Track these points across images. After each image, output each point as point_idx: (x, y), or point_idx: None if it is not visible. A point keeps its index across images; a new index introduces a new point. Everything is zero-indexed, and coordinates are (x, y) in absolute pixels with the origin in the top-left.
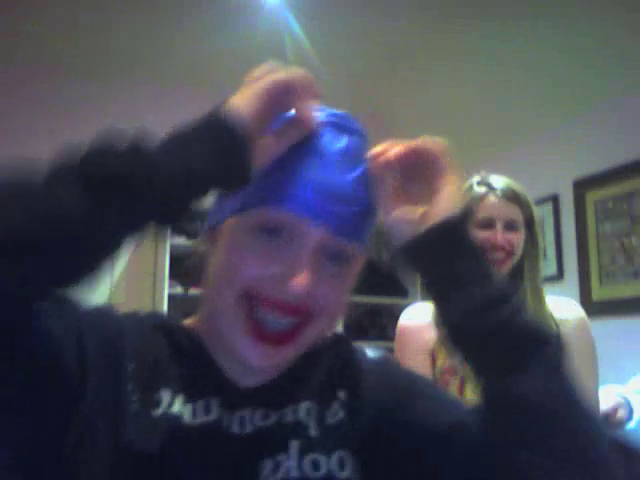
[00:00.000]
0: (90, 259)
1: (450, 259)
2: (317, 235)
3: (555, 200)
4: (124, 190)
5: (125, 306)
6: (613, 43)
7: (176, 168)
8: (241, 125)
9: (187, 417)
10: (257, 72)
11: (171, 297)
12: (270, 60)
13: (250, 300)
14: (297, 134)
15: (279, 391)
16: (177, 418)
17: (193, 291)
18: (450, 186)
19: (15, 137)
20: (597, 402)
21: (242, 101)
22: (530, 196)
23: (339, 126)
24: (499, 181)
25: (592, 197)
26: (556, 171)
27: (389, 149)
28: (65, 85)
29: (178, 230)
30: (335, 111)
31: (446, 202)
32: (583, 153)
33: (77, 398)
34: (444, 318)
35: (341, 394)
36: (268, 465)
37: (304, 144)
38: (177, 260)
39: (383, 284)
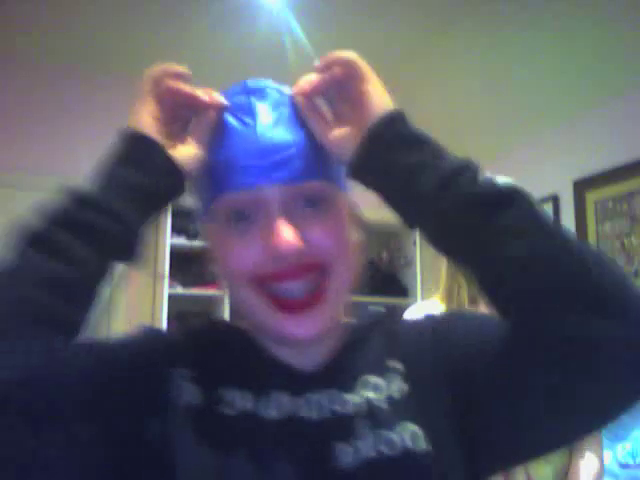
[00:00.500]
0: (86, 296)
1: (393, 155)
2: (275, 196)
3: (555, 200)
4: (81, 238)
5: (125, 306)
6: (613, 43)
7: (114, 199)
8: (151, 135)
9: (261, 412)
10: (141, 84)
11: (171, 297)
12: (270, 60)
13: (261, 281)
14: (208, 118)
15: (341, 371)
16: (252, 415)
17: (193, 291)
18: (369, 89)
19: (15, 137)
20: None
21: (140, 114)
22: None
23: (248, 89)
24: (503, 181)
25: (592, 197)
26: (556, 171)
27: (303, 83)
28: (65, 84)
29: (178, 230)
30: (242, 81)
31: (377, 106)
32: (583, 153)
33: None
34: (406, 219)
35: (398, 365)
36: (343, 448)
37: (225, 122)
38: (177, 260)
39: (383, 284)
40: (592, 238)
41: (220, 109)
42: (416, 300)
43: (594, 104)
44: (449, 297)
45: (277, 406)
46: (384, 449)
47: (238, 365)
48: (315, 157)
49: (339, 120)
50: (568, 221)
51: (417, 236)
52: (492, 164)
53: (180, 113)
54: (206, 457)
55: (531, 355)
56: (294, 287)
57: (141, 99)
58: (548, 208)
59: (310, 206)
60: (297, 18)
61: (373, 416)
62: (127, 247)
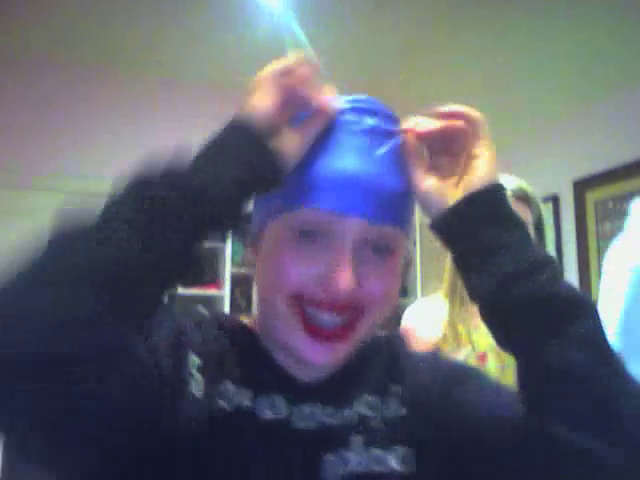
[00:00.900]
0: (162, 282)
1: (483, 228)
2: (354, 229)
3: (555, 200)
4: (170, 214)
5: None
6: (613, 43)
7: (209, 184)
8: (261, 126)
9: (259, 412)
10: (265, 71)
11: (171, 297)
12: (270, 60)
13: (300, 301)
14: (319, 123)
15: (340, 386)
16: (248, 413)
17: (193, 291)
18: (484, 155)
19: (15, 136)
20: None
21: (257, 102)
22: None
23: (360, 110)
24: (510, 181)
25: (592, 197)
26: (556, 171)
27: (418, 124)
28: (65, 84)
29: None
30: (355, 96)
31: (481, 170)
32: (583, 153)
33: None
34: (475, 291)
35: (396, 388)
36: (332, 460)
37: (328, 135)
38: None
39: None
40: (592, 238)
41: (333, 117)
42: (416, 300)
43: (594, 104)
44: (452, 293)
45: (273, 408)
46: (372, 466)
47: (241, 363)
48: (404, 204)
49: (435, 169)
50: (568, 221)
51: (417, 236)
52: None
53: (292, 105)
54: (199, 449)
55: (541, 461)
56: (328, 319)
57: (265, 85)
58: (548, 208)
59: (379, 254)
60: (297, 18)
61: (365, 433)
62: (225, 226)
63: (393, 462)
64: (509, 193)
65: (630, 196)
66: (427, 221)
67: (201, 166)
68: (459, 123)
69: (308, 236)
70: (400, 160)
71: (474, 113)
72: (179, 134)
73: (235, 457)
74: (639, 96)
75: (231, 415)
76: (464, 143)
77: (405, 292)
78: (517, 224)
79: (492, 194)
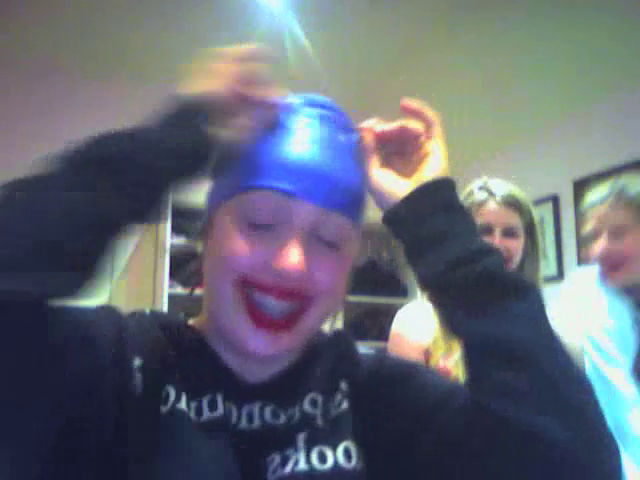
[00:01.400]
0: (99, 240)
1: (430, 218)
2: (305, 214)
3: (555, 200)
4: (109, 167)
5: (125, 306)
6: (614, 43)
7: (141, 150)
8: (203, 107)
9: (193, 413)
10: (220, 55)
11: (171, 297)
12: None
13: (246, 286)
14: (269, 115)
15: (286, 386)
16: (183, 414)
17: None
18: (436, 152)
19: (16, 138)
20: None
21: (206, 85)
22: (531, 198)
23: (316, 104)
24: (500, 187)
25: None
26: (556, 171)
27: (374, 126)
28: (66, 84)
29: (178, 230)
30: (311, 95)
31: (433, 166)
32: (583, 153)
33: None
34: (422, 278)
35: (343, 385)
36: (276, 459)
37: (283, 122)
38: (177, 260)
39: (383, 284)
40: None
41: (282, 112)
42: (415, 300)
43: (594, 104)
44: None
45: (209, 410)
46: (315, 462)
47: (183, 364)
48: (355, 198)
49: (390, 165)
50: (568, 221)
51: None
52: (492, 164)
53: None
54: (138, 451)
55: (487, 443)
56: (274, 305)
57: (216, 70)
58: (548, 208)
59: (330, 246)
60: (297, 18)
61: (309, 431)
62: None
63: (338, 459)
64: (498, 199)
65: None
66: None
67: (138, 135)
68: (414, 125)
69: (258, 223)
70: (355, 157)
71: (429, 112)
72: None
73: (170, 460)
74: (639, 96)
75: (167, 417)
76: (418, 143)
77: (405, 292)
78: (464, 214)
79: (440, 185)
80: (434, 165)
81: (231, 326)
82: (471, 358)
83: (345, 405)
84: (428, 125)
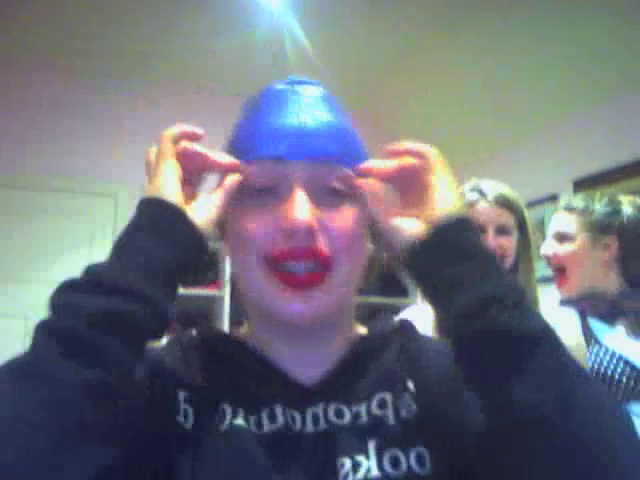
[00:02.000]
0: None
1: (446, 263)
2: (301, 171)
3: (555, 200)
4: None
5: None
6: (614, 43)
7: (141, 280)
8: (173, 202)
9: (254, 428)
10: (153, 151)
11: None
12: (270, 60)
13: (272, 261)
14: (231, 180)
15: (346, 383)
16: (241, 429)
17: (193, 291)
18: (441, 186)
19: (16, 136)
20: None
21: (161, 180)
22: (526, 198)
23: (294, 81)
24: (491, 187)
25: None
26: (556, 171)
27: (374, 167)
28: (66, 84)
29: None
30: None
31: (441, 204)
32: (583, 153)
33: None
34: (441, 324)
35: (410, 385)
36: (347, 464)
37: (260, 102)
38: None
39: (383, 284)
40: None
41: (238, 171)
42: (416, 300)
43: (594, 104)
44: None
45: (270, 421)
46: (388, 468)
47: (235, 380)
48: (350, 147)
49: (397, 204)
50: None
51: None
52: (492, 164)
53: (194, 172)
54: (204, 477)
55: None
56: (299, 267)
57: (160, 161)
58: (548, 208)
59: (331, 194)
60: (297, 18)
61: (378, 433)
62: (158, 331)
63: (410, 462)
64: (490, 199)
65: (630, 196)
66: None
67: (128, 260)
68: (411, 161)
69: (260, 192)
70: (330, 107)
71: (424, 148)
72: None
73: (234, 476)
74: (639, 97)
75: (226, 435)
76: (420, 178)
77: (405, 292)
78: (481, 257)
79: (455, 229)
80: (442, 202)
81: (267, 299)
82: (489, 424)
83: (414, 407)
84: (422, 158)
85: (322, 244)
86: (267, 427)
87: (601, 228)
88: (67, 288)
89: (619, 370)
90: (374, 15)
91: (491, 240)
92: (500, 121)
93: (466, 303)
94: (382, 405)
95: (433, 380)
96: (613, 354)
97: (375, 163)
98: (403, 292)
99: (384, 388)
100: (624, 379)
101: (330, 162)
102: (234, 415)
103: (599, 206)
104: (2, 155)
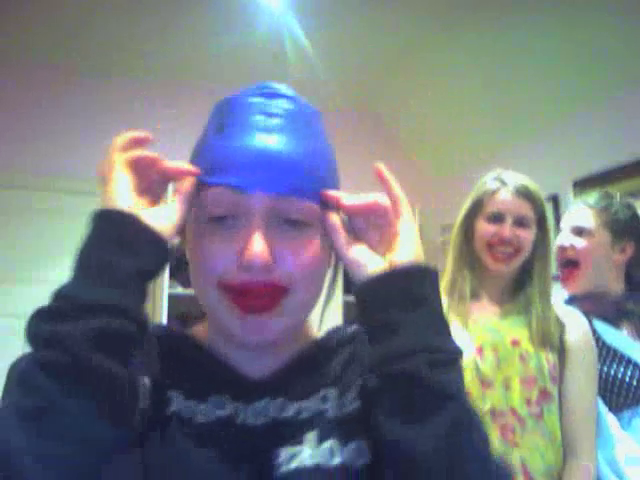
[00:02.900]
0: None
1: (395, 306)
2: (260, 204)
3: (555, 200)
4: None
5: None
6: (613, 43)
7: (112, 293)
8: (129, 213)
9: (200, 415)
10: (103, 163)
11: (171, 297)
12: (270, 60)
13: (228, 290)
14: (187, 186)
15: (293, 380)
16: (189, 416)
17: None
18: (405, 232)
19: (18, 136)
20: (595, 412)
21: (115, 190)
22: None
23: (266, 93)
24: (513, 177)
25: None
26: (556, 171)
27: (345, 200)
28: (66, 84)
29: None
30: (260, 83)
31: (406, 249)
32: (583, 153)
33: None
34: (370, 361)
35: (357, 382)
36: (283, 454)
37: (228, 117)
38: (177, 260)
39: None
40: None
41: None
42: None
43: (594, 104)
44: (452, 289)
45: (214, 410)
46: (322, 459)
47: (185, 369)
48: (316, 175)
49: (359, 235)
50: None
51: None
52: (492, 164)
53: (151, 178)
54: (150, 457)
55: None
56: (254, 299)
57: (110, 171)
58: (548, 208)
59: (290, 225)
60: (297, 18)
61: (319, 427)
62: (142, 339)
63: (346, 455)
64: (511, 189)
65: (630, 196)
66: (426, 222)
67: (95, 276)
68: (382, 202)
69: (219, 220)
70: (308, 136)
71: (398, 192)
72: (179, 134)
73: (177, 461)
74: (639, 96)
75: (170, 420)
76: (387, 221)
77: None
78: (431, 309)
79: (414, 276)
80: (406, 248)
81: (223, 320)
82: (387, 462)
83: (357, 403)
84: (394, 202)
85: (279, 275)
86: (212, 416)
87: (622, 231)
88: (45, 317)
89: (629, 373)
90: (374, 15)
91: (508, 230)
92: (500, 121)
93: (399, 348)
94: (325, 399)
95: None
96: (622, 357)
97: (344, 196)
98: None
99: (330, 385)
100: (635, 382)
101: (292, 195)
102: (180, 402)
103: (621, 208)
104: (2, 155)
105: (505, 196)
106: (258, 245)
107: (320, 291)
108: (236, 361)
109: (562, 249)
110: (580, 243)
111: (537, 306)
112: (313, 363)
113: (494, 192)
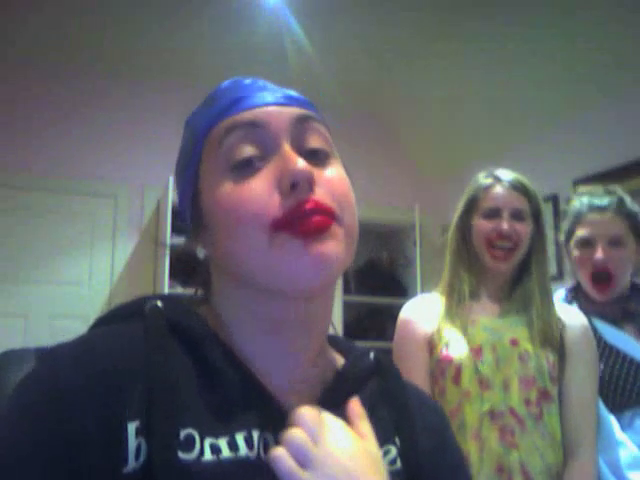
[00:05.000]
0: None
1: None
2: (282, 122)
3: (555, 200)
4: None
5: None
6: (613, 43)
7: None
8: None
9: (226, 451)
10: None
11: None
12: (270, 60)
13: (278, 223)
14: None
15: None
16: (212, 462)
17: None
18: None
19: (18, 136)
20: (595, 410)
21: None
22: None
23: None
24: (506, 173)
25: None
26: (556, 171)
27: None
28: (67, 84)
29: (178, 230)
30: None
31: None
32: (583, 153)
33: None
34: None
35: (396, 439)
36: None
37: (216, 91)
38: (177, 260)
39: (383, 284)
40: None
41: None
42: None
43: (594, 104)
44: (451, 289)
45: (245, 447)
46: None
47: (205, 391)
48: (307, 99)
49: None
50: None
51: (417, 236)
52: (492, 164)
53: None
54: None
55: None
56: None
57: None
58: (548, 208)
59: (314, 157)
60: (297, 18)
61: None
62: None
63: None
64: (505, 184)
65: (630, 196)
66: (426, 222)
67: None
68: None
69: (246, 164)
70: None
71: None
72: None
73: None
74: (639, 96)
75: (194, 467)
76: None
77: (405, 292)
78: None
79: None
80: None
81: (274, 267)
82: None
83: (399, 464)
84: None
85: (322, 198)
86: (243, 452)
87: None
88: None
89: (632, 373)
90: (374, 15)
91: (505, 223)
92: (500, 121)
93: None
94: None
95: (419, 438)
96: (624, 357)
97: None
98: (403, 292)
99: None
100: (637, 382)
101: (309, 113)
102: (203, 443)
103: (637, 208)
104: (2, 155)
105: (500, 191)
106: (298, 161)
107: (357, 222)
108: (260, 362)
109: (602, 262)
110: (617, 255)
111: (537, 301)
112: (343, 398)
113: (488, 188)
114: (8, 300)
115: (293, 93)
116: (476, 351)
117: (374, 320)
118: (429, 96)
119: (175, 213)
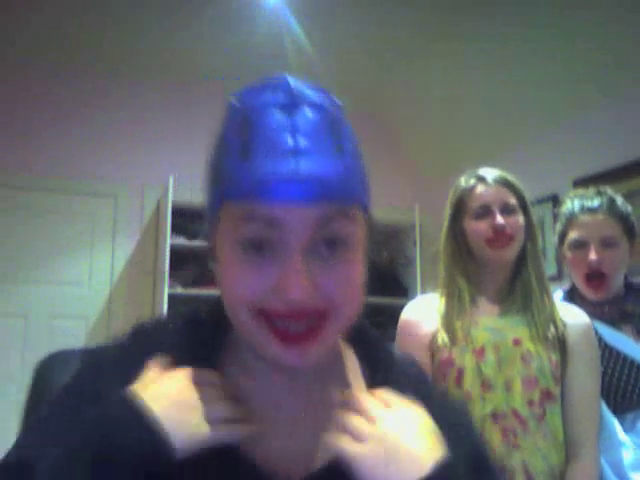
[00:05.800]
0: None
1: None
2: (299, 222)
3: (555, 200)
4: None
5: (125, 306)
6: (613, 43)
7: None
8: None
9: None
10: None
11: (171, 297)
12: (270, 60)
13: (264, 314)
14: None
15: None
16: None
17: (193, 291)
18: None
19: (18, 136)
20: (598, 409)
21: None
22: (531, 198)
23: (288, 104)
24: (489, 171)
25: None
26: (556, 171)
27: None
28: (67, 84)
29: (178, 230)
30: (286, 84)
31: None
32: (583, 153)
33: None
34: None
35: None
36: None
37: (254, 132)
38: (177, 260)
39: (383, 284)
40: None
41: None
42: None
43: (594, 104)
44: (450, 290)
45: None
46: None
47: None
48: (344, 193)
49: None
50: None
51: (417, 236)
52: (492, 164)
53: None
54: None
55: None
56: (295, 324)
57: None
58: (548, 208)
59: (329, 248)
60: (297, 18)
61: None
62: None
63: None
64: (489, 181)
65: (630, 196)
66: (426, 222)
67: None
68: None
69: (254, 247)
70: (329, 142)
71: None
72: (178, 133)
73: None
74: (639, 96)
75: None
76: None
77: (405, 292)
78: None
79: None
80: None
81: (260, 346)
82: None
83: None
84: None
85: (319, 302)
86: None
87: (635, 235)
88: None
89: (633, 375)
90: (374, 15)
91: (498, 218)
92: (500, 121)
93: None
94: None
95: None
96: (625, 359)
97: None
98: (403, 292)
99: None
100: (638, 384)
101: (328, 205)
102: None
103: (629, 209)
104: (2, 155)
105: (485, 189)
106: (299, 282)
107: (358, 310)
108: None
109: (596, 263)
110: (609, 256)
111: (536, 298)
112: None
113: (473, 188)
114: (8, 300)
115: (329, 169)
116: (478, 352)
117: (374, 320)
118: (429, 96)
119: (175, 213)
